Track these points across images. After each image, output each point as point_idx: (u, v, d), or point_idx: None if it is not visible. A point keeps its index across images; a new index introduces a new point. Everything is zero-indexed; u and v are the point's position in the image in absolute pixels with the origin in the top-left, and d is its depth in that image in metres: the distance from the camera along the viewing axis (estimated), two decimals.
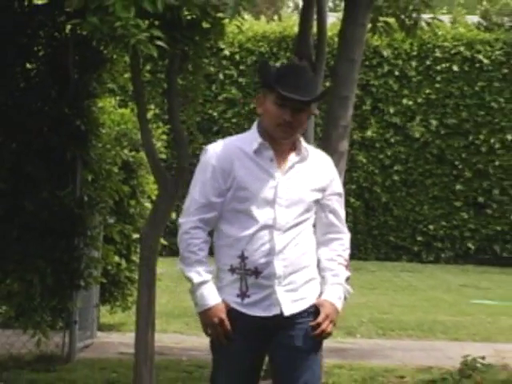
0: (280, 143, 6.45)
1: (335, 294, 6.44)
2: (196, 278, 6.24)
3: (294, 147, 6.50)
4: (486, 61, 29.79)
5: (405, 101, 30.25)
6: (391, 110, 30.79)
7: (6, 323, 14.92)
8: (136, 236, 16.37)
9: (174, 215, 14.92)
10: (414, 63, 30.73)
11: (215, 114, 29.17)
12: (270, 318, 6.21)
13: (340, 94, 13.18)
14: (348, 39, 13.50)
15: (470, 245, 30.73)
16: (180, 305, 18.68)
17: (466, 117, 30.20)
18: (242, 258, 6.05)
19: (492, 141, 30.17)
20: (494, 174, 30.37)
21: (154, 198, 15.55)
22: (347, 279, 6.39)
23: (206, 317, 6.29)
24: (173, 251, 25.85)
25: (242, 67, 29.87)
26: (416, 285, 22.70)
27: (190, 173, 18.77)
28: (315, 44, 13.95)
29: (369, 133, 29.03)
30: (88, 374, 13.73)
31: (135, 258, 15.97)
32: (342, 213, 6.66)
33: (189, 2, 11.65)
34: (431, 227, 30.67)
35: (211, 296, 6.27)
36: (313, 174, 6.46)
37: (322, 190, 6.49)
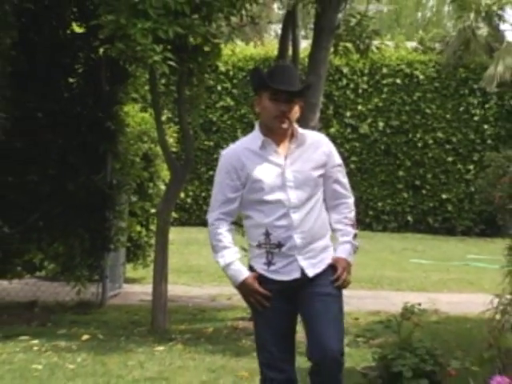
0: (280, 135, 6.28)
1: (346, 251, 6.34)
2: (223, 261, 6.14)
3: (292, 135, 6.31)
4: (421, 76, 30.03)
5: (359, 107, 30.32)
6: (348, 114, 30.71)
7: (54, 277, 14.99)
8: (153, 211, 16.41)
9: (182, 194, 14.90)
10: (365, 78, 31.01)
11: (214, 118, 29.04)
12: (292, 281, 6.05)
13: (309, 101, 13.14)
14: (316, 60, 13.59)
15: (409, 218, 30.89)
16: (187, 263, 18.77)
17: (406, 120, 30.43)
18: (267, 234, 5.95)
19: (426, 138, 30.37)
20: (427, 163, 30.59)
21: (167, 181, 15.53)
22: (355, 236, 6.35)
23: (241, 290, 6.17)
24: (182, 222, 26.10)
25: (235, 81, 29.80)
26: (368, 248, 22.62)
27: (194, 162, 18.90)
28: (292, 64, 13.82)
29: (332, 131, 29.12)
30: (116, 316, 13.83)
31: (153, 227, 15.96)
32: (345, 181, 6.47)
33: (193, 31, 11.66)
34: (379, 204, 30.84)
35: (239, 272, 6.14)
36: (312, 154, 6.27)
37: (324, 166, 6.29)
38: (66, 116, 14.20)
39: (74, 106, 14.38)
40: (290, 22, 14.04)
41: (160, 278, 12.84)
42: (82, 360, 10.74)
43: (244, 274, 6.12)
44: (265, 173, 6.14)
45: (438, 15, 47.95)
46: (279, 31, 14.06)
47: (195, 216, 29.11)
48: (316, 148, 6.30)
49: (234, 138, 29.30)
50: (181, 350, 11.49)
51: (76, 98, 14.50)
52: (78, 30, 14.14)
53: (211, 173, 28.41)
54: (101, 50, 12.60)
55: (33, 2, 13.19)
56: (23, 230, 14.17)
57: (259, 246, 6.07)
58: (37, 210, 14.17)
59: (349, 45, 14.23)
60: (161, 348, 11.56)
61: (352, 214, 6.42)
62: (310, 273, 6.05)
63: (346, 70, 29.68)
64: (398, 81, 30.75)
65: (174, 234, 15.33)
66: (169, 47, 11.55)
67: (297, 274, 6.02)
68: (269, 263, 6.04)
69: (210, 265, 18.78)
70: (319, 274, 6.23)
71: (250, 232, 6.25)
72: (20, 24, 12.97)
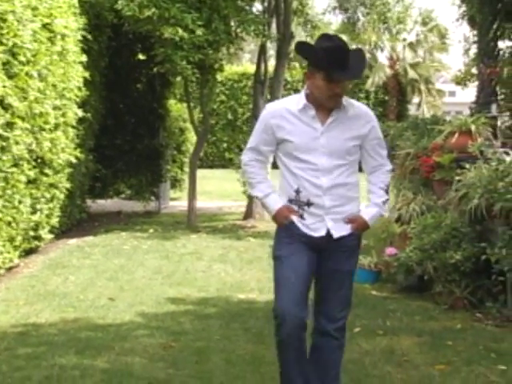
0: (323, 105, 4.28)
1: (370, 213, 4.42)
2: (260, 194, 4.43)
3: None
4: None
5: None
6: None
7: (131, 197, 15.07)
8: (186, 159, 16.56)
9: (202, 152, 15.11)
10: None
11: (215, 106, 28.06)
12: (319, 238, 4.30)
13: (271, 96, 13.35)
14: (278, 72, 13.70)
15: None
16: (204, 189, 17.72)
17: None
18: (298, 192, 4.29)
19: None
20: None
21: (193, 143, 15.48)
22: (384, 202, 4.45)
23: (276, 220, 4.42)
24: (203, 166, 25.00)
25: (227, 86, 28.48)
26: None
27: (209, 132, 18.97)
28: (263, 77, 13.91)
29: None
30: (167, 219, 13.84)
31: (186, 169, 16.06)
32: (384, 152, 4.49)
33: (209, 57, 11.80)
34: None
35: (274, 203, 4.39)
36: (352, 124, 4.33)
37: (363, 137, 4.35)
38: (136, 106, 14.45)
39: (140, 100, 14.50)
40: (262, 51, 13.93)
41: (191, 197, 13.00)
42: (150, 243, 10.91)
43: (278, 204, 4.39)
44: (299, 134, 4.29)
45: None
46: (250, 56, 14.22)
47: (206, 163, 28.18)
48: (358, 119, 4.36)
49: (226, 120, 28.94)
50: (205, 237, 11.67)
51: (141, 96, 14.57)
52: (141, 57, 14.35)
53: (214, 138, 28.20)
54: (155, 69, 12.74)
55: (116, 41, 13.44)
56: (113, 170, 14.46)
57: (290, 201, 4.36)
58: (120, 159, 14.45)
59: (296, 64, 14.42)
60: (194, 236, 11.70)
61: (387, 180, 4.53)
62: (335, 234, 4.33)
63: (289, 79, 27.16)
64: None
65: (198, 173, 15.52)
66: (195, 66, 11.84)
67: (323, 233, 4.33)
68: (300, 217, 4.32)
69: (217, 189, 19.08)
70: (343, 239, 4.36)
71: (281, 187, 4.46)
72: (109, 53, 13.23)
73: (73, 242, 10.96)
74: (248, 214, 13.58)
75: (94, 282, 8.19)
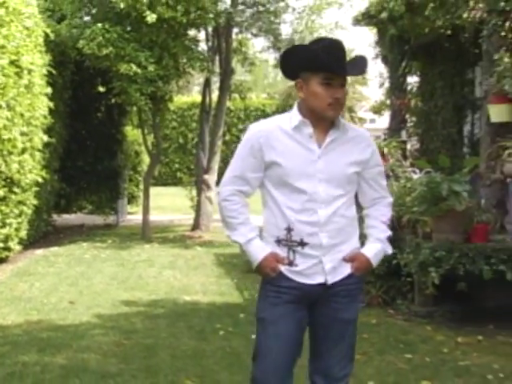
0: (320, 121, 3.10)
1: (373, 250, 3.20)
2: (241, 239, 3.13)
3: (333, 123, 3.14)
4: (268, 110, 28.25)
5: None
6: (241, 127, 26.48)
7: (92, 212, 14.85)
8: (140, 178, 16.35)
9: (156, 172, 14.97)
10: (242, 112, 27.53)
11: (167, 131, 26.39)
12: (315, 286, 3.09)
13: (215, 123, 13.41)
14: (221, 103, 13.76)
15: None
16: (158, 204, 17.02)
17: None
18: (289, 229, 3.07)
19: None
20: None
21: (147, 164, 15.29)
22: (388, 239, 3.26)
23: (260, 271, 3.12)
24: (157, 184, 24.08)
25: (178, 114, 27.29)
26: None
27: (163, 154, 18.60)
28: (208, 106, 13.83)
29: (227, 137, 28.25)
30: (124, 231, 13.65)
31: (141, 187, 15.89)
32: (384, 182, 3.32)
33: (160, 89, 11.75)
34: None
35: (259, 250, 3.11)
36: (352, 149, 3.16)
37: (363, 163, 3.17)
38: (96, 132, 14.20)
39: (100, 127, 14.25)
40: (207, 84, 13.88)
41: (145, 211, 12.84)
42: (108, 252, 10.78)
43: (264, 251, 3.10)
44: (294, 157, 3.08)
45: (275, 79, 47.33)
46: (199, 88, 14.18)
47: (160, 181, 27.48)
48: (358, 143, 3.18)
49: (178, 143, 28.44)
50: (157, 246, 11.55)
51: (101, 123, 14.33)
52: (101, 89, 14.18)
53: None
54: (113, 100, 12.62)
55: (78, 75, 13.25)
56: (76, 188, 14.24)
57: (278, 241, 3.11)
58: (83, 178, 14.20)
59: (236, 95, 14.47)
60: (147, 246, 11.57)
61: (389, 214, 3.32)
62: (330, 279, 3.10)
63: (234, 107, 26.09)
64: (259, 113, 27.39)
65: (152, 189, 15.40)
66: (148, 97, 11.77)
67: (321, 279, 3.09)
68: (290, 263, 3.09)
69: (169, 204, 18.89)
70: (342, 281, 3.12)
71: (268, 224, 3.17)
72: (73, 86, 13.05)
73: (39, 252, 10.74)
74: (195, 226, 13.50)
75: (56, 287, 8.03)
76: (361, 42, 33.42)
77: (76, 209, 14.85)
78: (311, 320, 3.17)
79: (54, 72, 10.75)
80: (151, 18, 10.82)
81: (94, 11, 11.68)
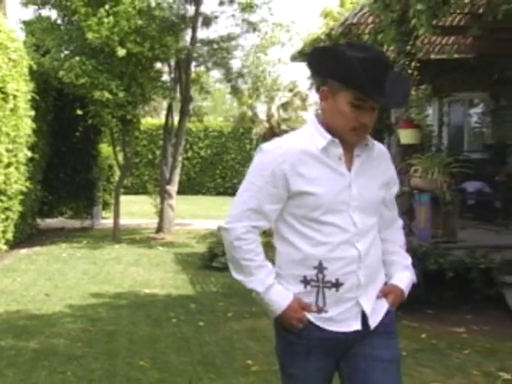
0: (342, 138, 2.13)
1: (405, 280, 2.32)
2: (260, 287, 2.13)
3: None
4: (225, 131, 26.80)
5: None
6: (201, 145, 25.80)
7: (71, 217, 14.41)
8: (113, 188, 16.13)
9: (126, 181, 14.70)
10: (202, 133, 25.65)
11: (139, 148, 25.23)
12: (351, 333, 2.15)
13: (177, 142, 13.31)
14: (181, 125, 13.66)
15: None
16: (129, 210, 16.67)
17: None
18: (320, 268, 2.09)
19: None
20: None
21: (118, 175, 15.14)
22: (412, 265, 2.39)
23: (284, 321, 2.13)
24: (129, 193, 23.38)
25: (145, 134, 25.62)
26: None
27: (130, 169, 18.22)
28: (170, 128, 13.67)
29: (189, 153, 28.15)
30: (98, 233, 13.41)
31: (113, 195, 15.73)
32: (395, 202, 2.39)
33: (129, 113, 11.72)
34: None
35: (281, 298, 2.13)
36: (378, 167, 2.23)
37: (388, 185, 2.27)
38: (75, 149, 13.89)
39: (78, 144, 13.94)
40: (169, 109, 13.68)
41: (116, 216, 12.70)
42: (83, 251, 10.62)
43: (287, 298, 2.13)
44: (325, 183, 2.11)
45: (232, 104, 46.52)
46: (166, 111, 14.08)
47: (132, 191, 25.42)
48: (382, 161, 2.27)
49: (147, 159, 27.73)
50: (125, 247, 11.40)
51: (79, 141, 14.02)
52: (79, 112, 13.98)
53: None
54: (89, 121, 12.47)
55: (60, 100, 13.08)
56: (57, 197, 13.99)
57: (305, 282, 2.14)
58: (63, 188, 13.91)
59: (194, 118, 14.44)
60: (117, 246, 11.41)
61: (403, 238, 2.44)
62: (373, 322, 2.19)
63: (196, 128, 25.06)
64: (216, 133, 26.36)
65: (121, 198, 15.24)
66: (118, 120, 11.73)
67: (357, 325, 2.17)
68: (319, 310, 2.13)
69: (138, 210, 18.58)
70: (379, 325, 2.22)
71: (288, 262, 2.18)
72: (55, 109, 12.89)
73: (23, 251, 10.56)
74: (159, 229, 13.40)
75: (35, 282, 7.92)
76: (300, 74, 33.68)
77: (57, 214, 14.49)
78: (343, 363, 2.24)
79: (37, 98, 10.63)
80: (121, 52, 10.82)
81: (72, 47, 11.59)
